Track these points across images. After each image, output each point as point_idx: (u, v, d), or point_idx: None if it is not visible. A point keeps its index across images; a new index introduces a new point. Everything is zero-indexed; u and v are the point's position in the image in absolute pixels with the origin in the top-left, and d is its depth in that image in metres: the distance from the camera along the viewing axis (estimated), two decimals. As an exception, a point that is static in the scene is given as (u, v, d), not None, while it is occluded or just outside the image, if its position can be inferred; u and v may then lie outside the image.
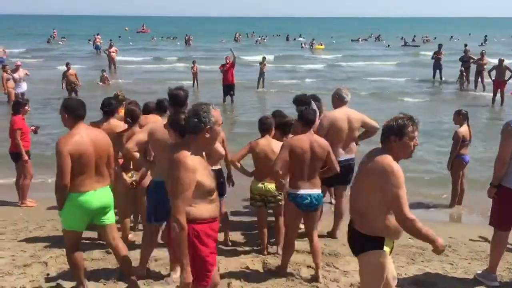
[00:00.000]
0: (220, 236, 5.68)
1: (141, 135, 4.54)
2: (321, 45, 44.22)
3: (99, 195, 4.14)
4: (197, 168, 3.10)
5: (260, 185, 5.20)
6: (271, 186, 5.13)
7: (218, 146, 4.46)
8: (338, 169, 4.84)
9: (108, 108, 5.58)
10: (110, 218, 4.33)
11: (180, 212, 3.07)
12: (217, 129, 3.19)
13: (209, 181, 3.22)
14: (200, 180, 3.12)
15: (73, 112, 4.06)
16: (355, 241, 3.38)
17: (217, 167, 5.45)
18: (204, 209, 3.21)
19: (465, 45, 23.36)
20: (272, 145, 5.12)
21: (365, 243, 3.26)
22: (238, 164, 5.28)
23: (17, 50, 36.97)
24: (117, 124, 5.55)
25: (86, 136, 4.04)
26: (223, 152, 4.53)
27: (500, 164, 4.49)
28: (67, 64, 17.40)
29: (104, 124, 5.50)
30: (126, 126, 5.46)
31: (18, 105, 7.14)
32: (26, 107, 7.15)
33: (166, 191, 3.43)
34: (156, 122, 4.90)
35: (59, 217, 4.23)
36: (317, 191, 4.62)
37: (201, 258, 3.19)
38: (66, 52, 37.27)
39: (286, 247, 4.80)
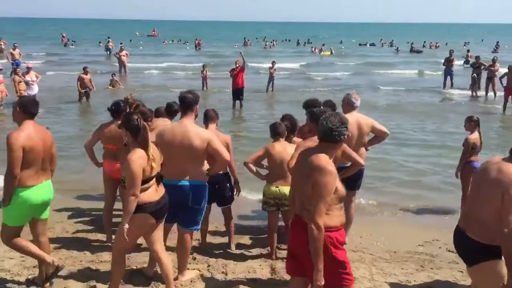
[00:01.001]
0: (224, 240, 5.72)
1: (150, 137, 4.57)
2: (329, 51, 44.11)
3: (44, 189, 4.30)
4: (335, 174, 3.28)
5: (274, 188, 5.20)
6: (285, 189, 5.14)
7: (223, 151, 4.48)
8: (362, 162, 4.86)
9: (115, 108, 5.59)
10: (47, 213, 4.51)
11: (321, 215, 3.19)
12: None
13: (342, 188, 3.40)
14: (337, 186, 3.30)
15: (25, 109, 4.24)
16: (472, 250, 3.38)
17: (220, 171, 5.46)
18: (335, 216, 3.37)
19: (468, 51, 23.26)
20: (288, 149, 5.13)
21: (485, 252, 3.29)
22: (253, 167, 5.30)
23: (35, 53, 37.29)
24: None
25: (35, 132, 4.20)
26: (229, 157, 4.53)
27: None
28: (84, 68, 17.53)
29: (111, 126, 5.51)
30: None
31: None
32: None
33: (175, 192, 3.45)
34: (166, 125, 4.92)
35: (3, 213, 4.28)
36: None
37: (339, 262, 3.30)
38: (83, 56, 37.56)
39: None
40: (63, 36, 56.06)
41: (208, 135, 4.43)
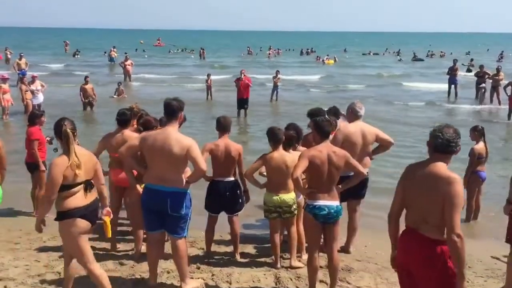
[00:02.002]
0: (229, 248, 5.71)
1: (133, 141, 4.68)
2: (332, 60, 44.17)
3: None
4: None
5: (275, 197, 5.21)
6: (286, 197, 5.15)
7: (201, 160, 4.43)
8: (364, 172, 4.85)
9: (120, 117, 5.67)
10: None
11: (459, 225, 3.17)
12: None
13: None
14: None
15: None
16: None
17: (231, 178, 5.48)
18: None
19: (471, 60, 23.25)
20: (285, 157, 5.14)
21: None
22: (253, 179, 5.33)
23: (55, 65, 37.35)
24: (130, 135, 5.60)
25: None
26: (205, 167, 4.45)
27: None
28: (85, 78, 17.62)
29: (117, 135, 5.58)
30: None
31: (34, 116, 7.28)
32: (42, 118, 7.29)
33: (155, 197, 3.50)
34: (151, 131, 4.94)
35: None
36: (335, 202, 4.59)
37: (454, 273, 3.24)
38: (84, 66, 37.77)
39: (309, 264, 4.67)
40: (66, 44, 56.14)
41: (188, 143, 4.40)
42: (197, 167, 4.41)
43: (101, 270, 4.30)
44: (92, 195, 4.16)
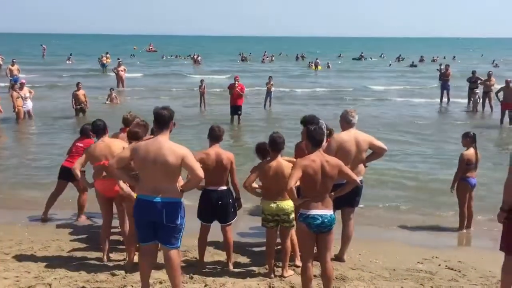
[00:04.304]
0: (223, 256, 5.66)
1: (124, 152, 4.63)
2: (317, 66, 44.19)
3: None
4: None
5: (272, 204, 5.18)
6: (284, 204, 5.11)
7: (197, 168, 4.41)
8: (357, 180, 4.83)
9: (94, 128, 5.90)
10: None
11: None
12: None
13: None
14: None
15: None
16: None
17: (224, 187, 5.44)
18: None
19: (440, 64, 23.22)
20: (283, 166, 5.12)
21: None
22: (253, 190, 5.31)
23: (30, 68, 36.52)
24: (111, 140, 5.83)
25: None
26: (202, 175, 4.42)
27: (509, 189, 4.43)
28: (77, 84, 17.51)
29: (98, 143, 5.74)
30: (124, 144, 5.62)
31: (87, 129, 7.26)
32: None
33: (149, 208, 3.44)
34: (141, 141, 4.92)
35: None
36: (328, 212, 4.56)
37: None
38: (75, 71, 37.49)
39: (303, 273, 4.64)
40: (43, 49, 55.19)
41: (183, 152, 4.37)
42: (194, 175, 4.36)
43: None
44: None
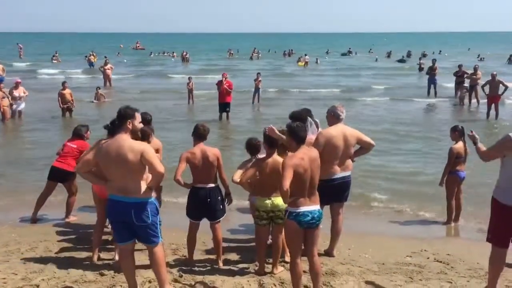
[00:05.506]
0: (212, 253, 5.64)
1: (88, 155, 4.64)
2: (302, 62, 44.19)
3: None
4: None
5: (267, 201, 5.15)
6: (279, 200, 5.06)
7: (157, 163, 4.34)
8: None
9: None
10: None
11: None
12: None
13: None
14: None
15: None
16: None
17: (212, 184, 5.41)
18: None
19: (420, 59, 23.52)
20: (278, 161, 5.06)
21: None
22: (248, 186, 5.26)
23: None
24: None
25: None
26: (163, 170, 4.36)
27: (482, 154, 4.91)
28: (63, 83, 17.31)
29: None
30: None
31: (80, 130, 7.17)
32: (89, 132, 7.29)
33: (119, 207, 3.75)
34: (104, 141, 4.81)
35: None
36: (317, 207, 4.56)
37: None
38: (60, 71, 37.15)
39: (293, 270, 4.62)
40: (20, 48, 54.13)
41: (141, 147, 4.33)
42: (153, 171, 4.30)
43: None
44: None
